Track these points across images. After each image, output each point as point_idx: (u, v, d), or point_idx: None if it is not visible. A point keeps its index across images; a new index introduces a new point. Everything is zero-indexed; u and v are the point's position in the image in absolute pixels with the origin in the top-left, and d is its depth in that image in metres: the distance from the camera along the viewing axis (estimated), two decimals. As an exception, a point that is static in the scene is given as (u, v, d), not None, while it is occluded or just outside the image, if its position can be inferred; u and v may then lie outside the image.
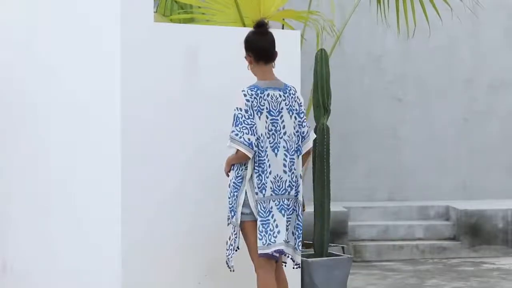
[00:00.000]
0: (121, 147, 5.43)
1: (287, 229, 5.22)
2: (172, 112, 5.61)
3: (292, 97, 5.32)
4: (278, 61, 5.44)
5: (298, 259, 5.33)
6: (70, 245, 5.85)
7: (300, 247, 5.31)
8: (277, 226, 5.19)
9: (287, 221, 5.22)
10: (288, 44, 6.05)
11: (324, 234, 6.65)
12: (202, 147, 5.69)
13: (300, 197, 5.29)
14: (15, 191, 6.42)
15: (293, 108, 5.31)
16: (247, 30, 5.49)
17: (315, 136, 5.34)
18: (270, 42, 5.32)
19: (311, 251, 6.74)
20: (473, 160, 10.46)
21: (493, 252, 9.31)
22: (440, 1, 7.82)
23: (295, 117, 5.31)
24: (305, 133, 5.34)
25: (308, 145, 5.38)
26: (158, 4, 8.34)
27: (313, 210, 6.70)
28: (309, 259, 6.42)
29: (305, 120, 5.35)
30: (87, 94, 5.73)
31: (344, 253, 6.86)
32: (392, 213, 9.75)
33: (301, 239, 5.30)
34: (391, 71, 10.39)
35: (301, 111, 5.34)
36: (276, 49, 5.34)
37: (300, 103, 5.35)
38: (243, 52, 5.35)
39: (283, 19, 7.63)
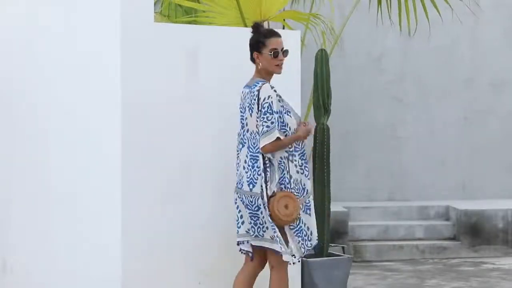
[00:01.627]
0: (121, 147, 5.43)
1: (249, 223, 5.28)
2: (172, 112, 5.61)
3: (252, 94, 5.27)
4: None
5: (276, 247, 5.24)
6: (70, 245, 5.85)
7: (277, 237, 5.22)
8: (241, 217, 5.34)
9: (249, 216, 5.27)
10: (288, 44, 6.05)
11: (324, 234, 6.66)
12: (202, 147, 5.69)
13: (257, 191, 5.23)
14: (15, 191, 6.42)
15: (252, 106, 5.27)
16: (247, 31, 5.49)
17: (264, 143, 5.20)
18: (249, 44, 5.40)
19: (311, 251, 6.74)
20: (473, 160, 10.46)
21: (493, 252, 9.31)
22: (440, 0, 7.82)
23: (256, 115, 5.26)
24: (259, 132, 5.24)
25: (261, 143, 5.22)
26: (162, 5, 8.34)
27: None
28: (309, 259, 6.42)
29: (266, 121, 5.19)
30: (87, 94, 5.73)
31: (344, 253, 6.86)
32: (392, 213, 9.75)
33: (275, 231, 5.20)
34: (391, 71, 10.38)
35: (260, 110, 5.22)
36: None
37: (258, 101, 5.22)
38: (244, 51, 5.38)
39: (284, 20, 7.63)
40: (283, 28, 7.69)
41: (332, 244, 7.07)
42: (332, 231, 8.39)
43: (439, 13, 7.78)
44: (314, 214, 5.43)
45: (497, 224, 9.36)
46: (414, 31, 7.99)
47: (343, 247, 7.08)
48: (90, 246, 5.68)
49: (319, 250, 6.65)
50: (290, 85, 6.09)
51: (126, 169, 5.44)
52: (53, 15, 6.04)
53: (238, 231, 5.36)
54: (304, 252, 5.35)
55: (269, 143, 5.20)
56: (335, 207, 8.55)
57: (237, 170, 5.37)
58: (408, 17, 7.69)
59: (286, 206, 5.21)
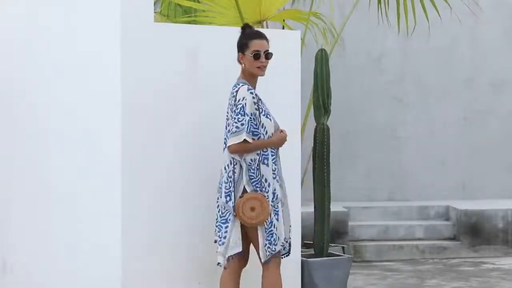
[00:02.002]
0: (121, 147, 5.43)
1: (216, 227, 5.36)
2: (172, 112, 5.61)
3: (232, 95, 5.31)
4: (278, 61, 5.45)
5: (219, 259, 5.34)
6: (70, 245, 5.85)
7: (220, 244, 5.29)
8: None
9: (220, 220, 5.31)
10: (288, 44, 6.05)
11: (324, 234, 6.66)
12: (202, 147, 5.69)
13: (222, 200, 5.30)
14: (15, 191, 6.42)
15: (231, 106, 5.31)
16: (247, 30, 5.50)
17: (231, 143, 5.22)
18: (236, 45, 5.43)
19: (311, 251, 6.75)
20: (473, 160, 10.46)
21: (493, 252, 9.31)
22: (440, 0, 7.82)
23: (231, 115, 5.32)
24: (229, 132, 5.29)
25: (228, 142, 5.28)
26: (162, 5, 8.34)
27: (313, 210, 6.71)
28: (309, 259, 6.42)
29: (237, 122, 5.21)
30: (87, 94, 5.73)
31: (344, 253, 6.86)
32: (392, 213, 9.75)
33: (221, 236, 5.27)
34: (391, 71, 10.39)
35: (234, 111, 5.26)
36: (273, 49, 5.37)
37: (233, 102, 5.26)
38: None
39: (284, 20, 7.63)
40: (283, 28, 7.69)
41: (332, 244, 7.07)
42: (332, 231, 8.39)
43: (438, 13, 7.78)
44: (282, 220, 5.32)
45: (497, 224, 9.36)
46: (412, 31, 7.99)
47: (343, 247, 7.08)
48: (90, 246, 5.68)
49: (319, 250, 6.66)
50: (290, 85, 6.09)
51: (126, 169, 5.44)
52: (53, 15, 6.04)
53: (216, 230, 5.39)
54: (268, 255, 5.25)
55: (236, 143, 5.22)
56: (335, 207, 8.55)
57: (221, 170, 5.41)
58: (406, 17, 7.69)
59: (252, 209, 5.21)
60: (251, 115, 5.24)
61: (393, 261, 9.10)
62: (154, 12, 6.33)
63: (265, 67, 5.36)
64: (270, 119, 5.33)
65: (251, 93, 5.26)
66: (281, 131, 5.39)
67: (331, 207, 6.73)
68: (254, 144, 5.26)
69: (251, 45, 5.32)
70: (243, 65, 5.35)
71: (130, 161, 5.45)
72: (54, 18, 6.02)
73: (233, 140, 5.23)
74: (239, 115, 5.22)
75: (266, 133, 5.31)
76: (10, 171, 6.47)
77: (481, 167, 10.45)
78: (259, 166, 5.28)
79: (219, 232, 5.29)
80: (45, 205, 6.08)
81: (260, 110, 5.29)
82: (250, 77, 5.36)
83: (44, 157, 6.10)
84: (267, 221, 5.24)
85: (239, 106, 5.23)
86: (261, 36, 5.38)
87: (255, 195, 5.23)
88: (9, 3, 6.50)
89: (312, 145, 6.78)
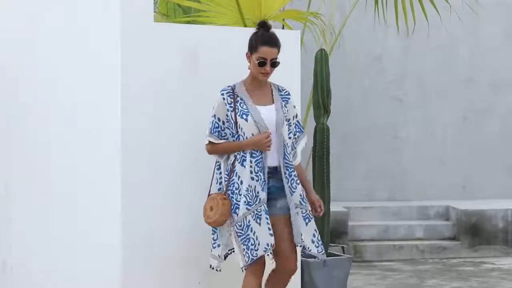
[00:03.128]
0: (121, 147, 5.43)
1: None
2: (172, 112, 5.60)
3: None
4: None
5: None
6: (70, 245, 5.85)
7: (214, 247, 5.30)
8: None
9: None
10: (288, 44, 6.04)
11: (324, 234, 6.66)
12: (202, 147, 5.68)
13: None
14: (14, 191, 6.42)
15: None
16: (247, 30, 5.48)
17: (204, 143, 5.28)
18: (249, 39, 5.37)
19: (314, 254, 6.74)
20: (473, 160, 10.46)
21: (493, 252, 9.32)
22: (440, 0, 7.82)
23: None
24: None
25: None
26: (161, 5, 8.33)
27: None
28: (309, 259, 6.42)
29: (208, 124, 5.26)
30: (87, 94, 5.73)
31: (344, 253, 6.86)
32: (392, 213, 9.75)
33: (215, 238, 5.29)
34: (391, 71, 10.39)
35: None
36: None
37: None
38: (244, 52, 5.37)
39: (284, 20, 7.63)
40: (283, 28, 7.69)
41: (332, 244, 7.08)
42: (332, 231, 8.40)
43: (438, 12, 7.78)
44: (266, 224, 5.12)
45: (497, 224, 9.36)
46: (413, 31, 7.99)
47: (343, 247, 7.08)
48: (90, 246, 5.68)
49: (319, 250, 6.65)
50: (290, 85, 6.07)
51: (126, 169, 5.43)
52: (53, 15, 6.04)
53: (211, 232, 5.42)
54: (248, 261, 5.09)
55: (206, 144, 5.27)
56: (335, 207, 8.55)
57: None
58: (405, 17, 7.69)
59: (211, 208, 5.17)
60: (226, 117, 5.22)
61: (393, 261, 9.11)
62: (154, 12, 6.33)
63: (268, 73, 5.27)
64: (246, 120, 5.17)
65: (222, 94, 5.24)
66: (265, 133, 5.18)
67: (331, 207, 6.73)
68: (223, 146, 5.23)
69: (260, 50, 5.20)
70: (249, 64, 5.31)
71: (130, 161, 5.44)
72: (54, 18, 6.02)
73: (205, 141, 5.29)
74: (210, 116, 5.27)
75: (244, 134, 5.20)
76: (9, 171, 6.47)
77: (481, 167, 10.46)
78: (234, 168, 5.18)
79: (213, 234, 5.29)
80: (45, 205, 6.08)
81: (237, 110, 5.21)
82: (252, 76, 5.32)
83: (44, 156, 6.10)
84: (233, 223, 5.15)
85: (212, 107, 5.29)
86: (272, 43, 5.22)
87: (215, 195, 5.20)
88: (9, 3, 6.50)
89: (312, 145, 6.78)
